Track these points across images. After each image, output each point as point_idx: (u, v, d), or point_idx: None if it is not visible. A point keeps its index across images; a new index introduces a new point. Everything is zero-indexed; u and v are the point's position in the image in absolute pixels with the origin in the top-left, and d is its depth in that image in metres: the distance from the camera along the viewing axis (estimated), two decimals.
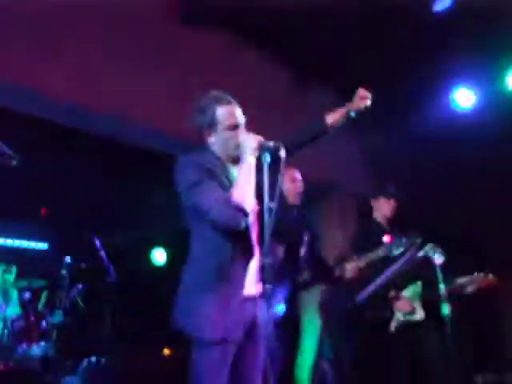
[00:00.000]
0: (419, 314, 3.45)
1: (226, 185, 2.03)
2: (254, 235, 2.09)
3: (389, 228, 3.78)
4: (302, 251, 3.31)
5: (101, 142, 4.11)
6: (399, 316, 3.47)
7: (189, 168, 2.03)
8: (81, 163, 4.92)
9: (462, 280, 3.30)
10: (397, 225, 3.85)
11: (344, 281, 3.21)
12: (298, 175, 3.42)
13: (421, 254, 2.64)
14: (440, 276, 2.63)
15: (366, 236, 3.63)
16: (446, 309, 2.60)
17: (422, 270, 3.26)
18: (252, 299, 2.06)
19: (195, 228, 2.08)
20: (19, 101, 3.42)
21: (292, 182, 3.33)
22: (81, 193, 5.42)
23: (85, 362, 4.73)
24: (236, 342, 1.97)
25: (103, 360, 4.35)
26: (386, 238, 3.14)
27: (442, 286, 2.63)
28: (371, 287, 2.69)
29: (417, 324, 3.46)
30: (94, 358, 4.42)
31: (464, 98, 5.06)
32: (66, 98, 3.39)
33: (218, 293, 1.95)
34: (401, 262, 2.75)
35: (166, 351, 4.50)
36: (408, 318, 3.44)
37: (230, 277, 1.98)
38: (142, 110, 3.70)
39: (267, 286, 1.84)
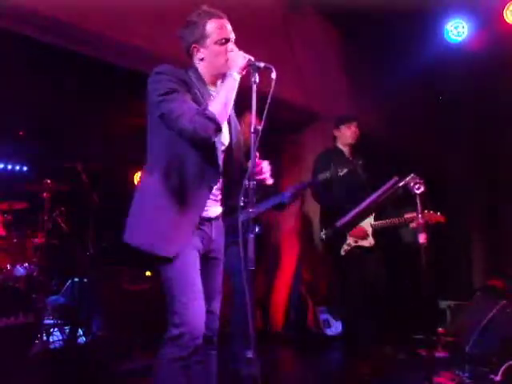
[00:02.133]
0: (369, 241, 3.68)
1: (200, 102, 1.95)
2: (221, 156, 2.05)
3: (351, 157, 3.86)
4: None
5: (81, 61, 3.93)
6: (350, 241, 3.65)
7: (164, 75, 1.94)
8: (60, 83, 4.73)
9: (409, 215, 3.46)
10: (360, 154, 3.93)
11: None
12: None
13: (402, 183, 2.65)
14: (419, 206, 2.66)
15: (326, 166, 3.71)
16: (422, 238, 2.65)
17: None
18: (213, 220, 2.08)
19: (157, 142, 2.00)
20: None
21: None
22: (62, 115, 5.27)
23: (68, 282, 4.87)
24: (198, 250, 1.98)
25: (86, 280, 4.46)
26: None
27: (420, 216, 2.67)
28: (351, 214, 2.72)
29: (366, 250, 3.68)
30: (76, 279, 4.53)
31: (457, 29, 4.92)
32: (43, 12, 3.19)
33: (177, 210, 1.92)
34: (381, 190, 2.77)
35: (148, 273, 4.61)
36: (359, 243, 3.66)
37: (191, 194, 1.95)
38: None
39: (251, 210, 1.84)
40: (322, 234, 3.70)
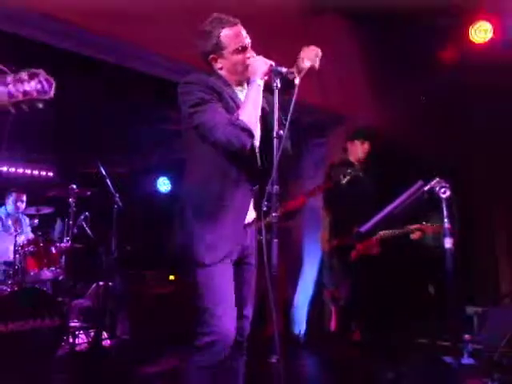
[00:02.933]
0: (375, 249, 3.72)
1: (233, 108, 1.97)
2: (259, 161, 2.05)
3: (361, 170, 3.87)
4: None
5: (105, 68, 3.99)
6: (357, 247, 3.70)
7: (193, 86, 1.94)
8: (86, 91, 4.81)
9: (411, 227, 3.64)
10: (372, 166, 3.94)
11: None
12: None
13: (427, 187, 2.61)
14: (445, 210, 2.61)
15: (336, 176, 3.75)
16: (448, 242, 2.60)
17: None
18: (248, 226, 2.06)
19: (196, 151, 2.01)
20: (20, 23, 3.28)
21: None
22: (85, 122, 5.36)
23: (93, 286, 4.95)
24: (233, 260, 1.99)
25: (110, 283, 4.52)
26: None
27: (446, 220, 2.61)
28: (374, 219, 2.69)
29: (372, 257, 3.71)
30: (101, 282, 4.60)
31: (481, 32, 4.84)
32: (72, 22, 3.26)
33: (219, 219, 1.93)
34: (405, 195, 2.73)
35: (171, 277, 4.65)
36: (367, 250, 3.70)
37: (232, 202, 1.95)
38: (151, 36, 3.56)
39: (274, 214, 1.82)
40: (333, 241, 3.75)
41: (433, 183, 2.64)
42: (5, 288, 3.67)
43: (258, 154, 2.05)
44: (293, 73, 1.91)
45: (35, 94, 1.39)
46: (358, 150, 3.90)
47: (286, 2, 4.68)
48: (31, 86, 1.39)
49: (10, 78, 1.39)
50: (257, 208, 2.09)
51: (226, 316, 1.91)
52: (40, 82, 1.40)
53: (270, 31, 4.05)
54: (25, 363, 3.37)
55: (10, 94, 1.38)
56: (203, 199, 1.96)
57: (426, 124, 5.52)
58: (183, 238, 1.97)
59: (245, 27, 2.07)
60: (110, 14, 3.37)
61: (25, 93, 1.38)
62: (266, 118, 2.07)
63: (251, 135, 1.90)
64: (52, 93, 1.41)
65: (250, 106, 1.92)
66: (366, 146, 3.89)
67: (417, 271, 4.85)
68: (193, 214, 1.96)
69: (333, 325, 4.68)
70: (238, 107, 1.97)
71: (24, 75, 1.39)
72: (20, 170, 6.54)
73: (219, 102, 1.94)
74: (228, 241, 1.94)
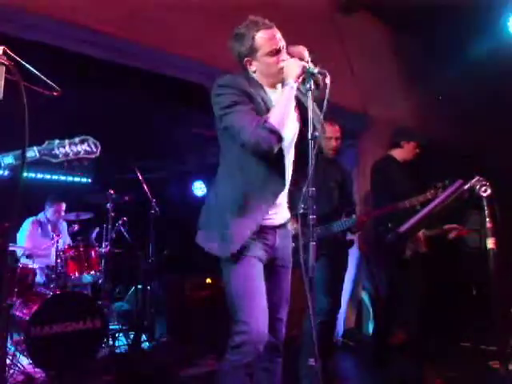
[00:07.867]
0: (423, 246, 3.67)
1: (263, 110, 1.98)
2: (288, 163, 2.06)
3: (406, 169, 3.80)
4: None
5: (141, 75, 4.06)
6: (411, 245, 3.61)
7: (226, 89, 1.97)
8: (122, 98, 4.90)
9: (446, 227, 3.66)
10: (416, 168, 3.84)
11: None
12: (337, 132, 3.44)
13: (467, 186, 2.53)
14: (485, 210, 2.52)
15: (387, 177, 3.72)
16: (491, 242, 2.51)
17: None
18: (278, 228, 2.07)
19: (226, 152, 2.07)
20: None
21: (329, 140, 3.36)
22: (122, 128, 5.47)
23: (132, 289, 5.04)
24: (261, 259, 1.99)
25: (148, 287, 4.59)
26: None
27: (487, 220, 2.52)
28: (415, 218, 2.63)
29: (415, 257, 3.64)
30: (139, 286, 4.68)
31: None
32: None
33: (240, 217, 1.95)
34: (445, 194, 2.65)
35: (208, 280, 4.68)
36: (417, 248, 3.64)
37: (254, 201, 1.97)
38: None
39: (311, 216, 1.82)
40: (389, 236, 3.66)
41: (473, 182, 2.55)
42: (48, 292, 3.78)
43: (285, 156, 2.05)
44: (324, 73, 1.91)
45: (84, 153, 1.86)
46: (411, 151, 3.83)
47: (316, 1, 4.66)
48: (82, 148, 1.85)
49: (67, 141, 1.85)
50: (292, 210, 2.09)
51: (257, 313, 1.91)
52: (89, 145, 1.86)
53: (300, 31, 4.04)
54: (67, 364, 3.47)
55: (66, 154, 1.83)
56: (227, 198, 2.00)
57: (461, 122, 5.38)
58: (205, 234, 2.04)
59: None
60: (146, 23, 3.45)
61: (76, 153, 1.85)
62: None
63: (280, 137, 1.90)
64: (98, 153, 1.87)
65: (281, 108, 1.93)
66: (417, 150, 3.83)
67: (459, 271, 4.71)
68: (215, 210, 2.03)
69: (372, 327, 4.60)
70: (268, 110, 1.98)
71: (77, 140, 1.86)
72: (59, 177, 6.75)
73: (250, 105, 1.96)
74: (241, 235, 1.95)
